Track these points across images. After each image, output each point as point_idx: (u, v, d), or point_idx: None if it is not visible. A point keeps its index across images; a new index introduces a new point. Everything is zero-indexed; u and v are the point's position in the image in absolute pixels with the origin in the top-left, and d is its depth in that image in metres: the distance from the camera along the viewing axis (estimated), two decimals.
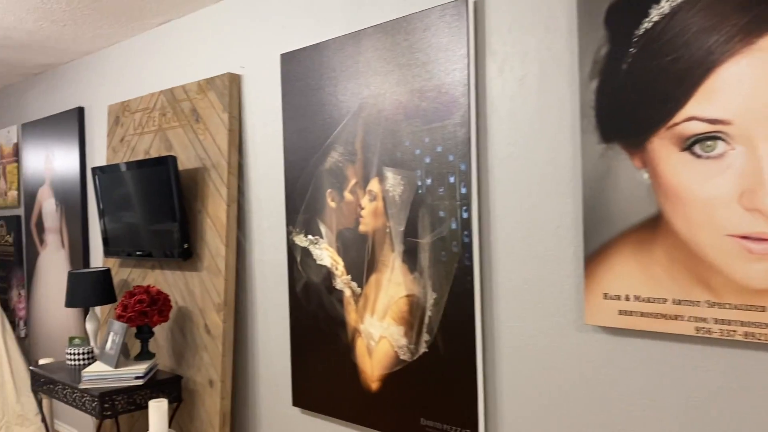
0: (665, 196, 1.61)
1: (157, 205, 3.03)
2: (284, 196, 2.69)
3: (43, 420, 3.23)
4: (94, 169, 3.37)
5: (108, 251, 3.41)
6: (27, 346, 4.72)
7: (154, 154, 3.27)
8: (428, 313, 2.13)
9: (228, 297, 2.84)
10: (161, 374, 2.93)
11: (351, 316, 2.40)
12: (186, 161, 3.06)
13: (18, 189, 4.75)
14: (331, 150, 2.46)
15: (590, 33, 1.74)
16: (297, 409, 2.66)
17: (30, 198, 4.54)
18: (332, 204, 2.46)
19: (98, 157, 3.87)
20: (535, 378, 1.92)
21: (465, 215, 2.01)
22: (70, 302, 3.21)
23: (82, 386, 2.71)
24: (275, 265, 2.76)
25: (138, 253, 3.18)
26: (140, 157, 3.35)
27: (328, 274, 2.47)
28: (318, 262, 2.52)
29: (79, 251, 4.00)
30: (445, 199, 2.06)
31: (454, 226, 2.04)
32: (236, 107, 2.89)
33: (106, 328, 2.92)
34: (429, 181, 2.11)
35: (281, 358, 2.73)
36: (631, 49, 1.66)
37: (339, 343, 2.44)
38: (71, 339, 3.18)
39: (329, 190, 2.47)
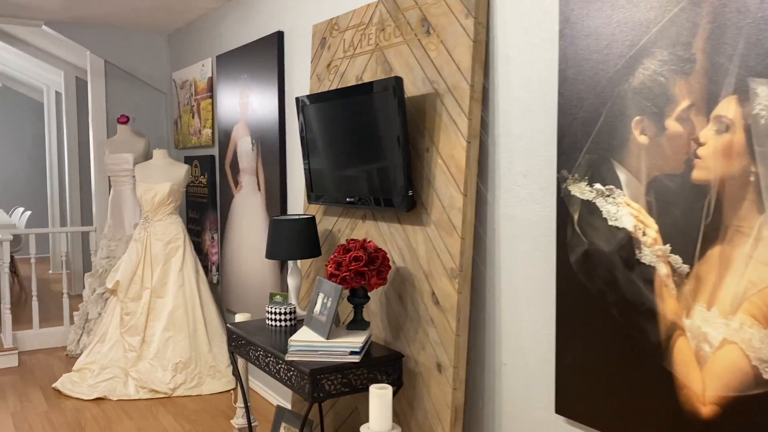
0: None
1: (374, 141, 2.43)
2: (555, 129, 1.95)
3: (239, 380, 2.86)
4: (298, 100, 2.86)
5: (312, 197, 2.91)
6: (218, 293, 4.52)
7: (367, 79, 2.68)
8: None
9: (464, 261, 2.19)
10: (376, 349, 2.39)
11: (667, 304, 1.63)
12: (410, 86, 2.43)
13: (212, 127, 4.49)
14: (644, 57, 1.66)
15: None
16: (561, 419, 1.97)
17: (224, 136, 4.23)
18: (641, 138, 1.68)
19: (299, 87, 3.38)
20: None
21: None
22: (271, 253, 2.76)
23: (288, 357, 2.23)
24: (532, 223, 2.05)
25: (348, 200, 2.64)
26: (351, 84, 2.77)
27: (629, 241, 1.71)
28: (611, 222, 1.76)
29: (276, 195, 3.59)
30: None
31: None
32: (484, 10, 2.17)
33: (314, 288, 2.43)
34: None
35: (537, 348, 2.05)
36: None
37: (642, 341, 1.69)
38: (272, 295, 2.75)
39: (637, 118, 1.68)
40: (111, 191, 4.85)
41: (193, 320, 4.12)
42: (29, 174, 9.36)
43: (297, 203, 3.46)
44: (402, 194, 2.33)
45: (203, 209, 4.67)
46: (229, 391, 4.06)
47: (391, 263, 2.50)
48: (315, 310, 2.38)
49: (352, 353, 2.22)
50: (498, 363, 2.20)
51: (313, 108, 2.77)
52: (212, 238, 4.56)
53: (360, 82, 2.69)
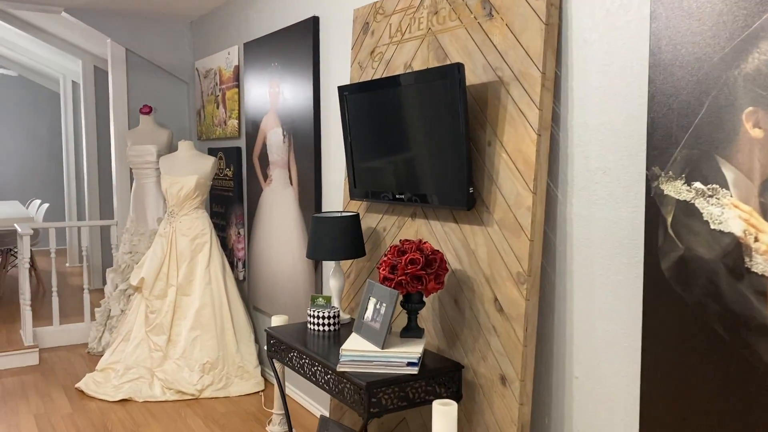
0: None
1: (429, 134, 2.25)
2: (643, 121, 1.76)
3: (280, 387, 2.70)
4: (341, 89, 2.68)
5: (355, 192, 2.73)
6: (245, 290, 4.36)
7: (417, 67, 2.49)
8: None
9: (533, 265, 2.01)
10: (430, 358, 2.21)
11: None
12: (469, 74, 2.24)
13: (239, 118, 4.31)
14: (759, 40, 1.47)
15: None
16: None
17: (252, 128, 4.06)
18: (755, 132, 1.48)
19: (336, 76, 3.20)
20: None
21: None
22: (313, 252, 2.59)
23: (340, 368, 2.06)
24: (612, 224, 1.86)
25: (398, 196, 2.46)
26: (399, 72, 2.59)
27: (737, 248, 1.53)
28: (714, 226, 1.57)
29: (311, 190, 3.42)
30: None
31: None
32: None
33: (364, 292, 2.26)
34: None
35: (616, 361, 1.86)
36: None
37: (754, 363, 1.50)
38: (314, 298, 2.58)
39: (750, 109, 1.49)
40: (133, 184, 4.69)
41: (220, 319, 3.97)
42: (46, 165, 9.24)
43: (333, 199, 3.29)
44: (462, 191, 2.15)
45: (229, 203, 4.51)
46: (258, 392, 3.91)
47: (447, 266, 2.32)
48: (366, 316, 2.21)
49: (410, 364, 2.05)
50: (569, 376, 2.02)
51: (358, 98, 2.59)
52: (238, 233, 4.39)
53: (410, 71, 2.50)
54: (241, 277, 4.38)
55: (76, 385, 3.93)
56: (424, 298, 2.36)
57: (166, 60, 4.95)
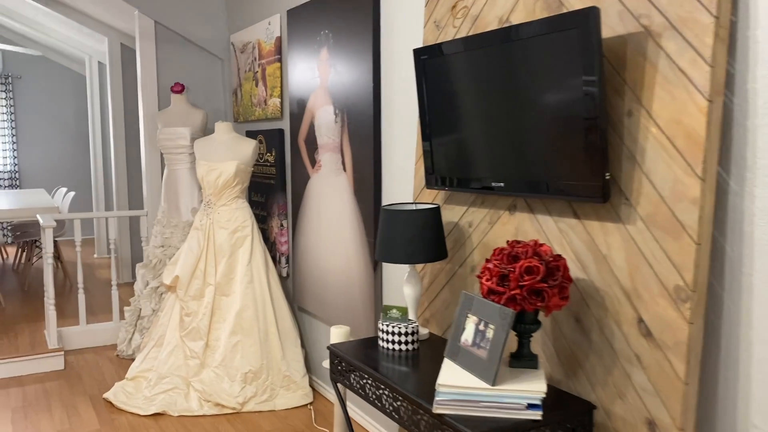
0: None
1: (547, 103, 1.74)
2: None
3: (344, 412, 2.23)
4: (419, 53, 2.18)
5: (433, 179, 2.24)
6: (288, 289, 3.91)
7: (518, 21, 1.98)
8: None
9: (699, 277, 1.50)
10: (550, 394, 1.72)
11: None
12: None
13: (281, 96, 3.84)
14: None
15: None
16: None
17: (298, 107, 3.58)
18: None
19: (402, 42, 2.69)
20: None
21: None
22: (385, 254, 2.11)
23: (438, 409, 1.58)
24: None
25: (495, 184, 1.96)
26: (491, 28, 2.07)
27: None
28: None
29: (368, 177, 2.94)
30: None
31: None
32: None
33: (459, 306, 1.78)
34: None
35: None
36: None
37: None
38: (387, 309, 2.10)
39: None
40: (165, 171, 4.26)
41: (264, 322, 3.52)
42: (71, 152, 8.90)
43: (396, 187, 2.80)
44: (595, 177, 1.64)
45: (270, 192, 4.05)
46: (307, 405, 3.46)
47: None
48: (463, 338, 1.72)
49: (531, 407, 1.56)
50: (744, 425, 1.51)
51: (442, 62, 2.08)
52: (281, 224, 3.94)
53: (507, 25, 1.99)
54: (284, 274, 3.93)
55: (105, 396, 3.52)
56: (540, 317, 1.87)
57: (199, 34, 4.49)
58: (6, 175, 8.49)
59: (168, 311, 3.64)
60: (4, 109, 8.40)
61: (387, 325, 2.07)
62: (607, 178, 1.63)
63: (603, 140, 1.61)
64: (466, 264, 2.21)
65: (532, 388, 1.58)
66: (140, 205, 6.31)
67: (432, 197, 2.39)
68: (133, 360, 4.17)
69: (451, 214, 2.30)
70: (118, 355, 4.25)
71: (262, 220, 4.17)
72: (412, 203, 2.28)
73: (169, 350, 3.50)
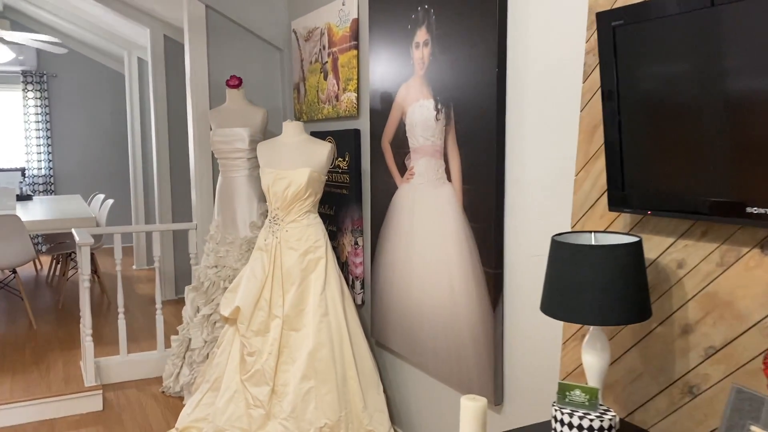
0: None
1: None
2: None
3: None
4: (607, 17, 1.53)
5: (620, 198, 1.59)
6: (362, 318, 3.29)
7: None
8: None
9: None
10: None
11: None
12: None
13: (357, 90, 3.22)
14: None
15: None
16: None
17: (381, 102, 2.96)
18: None
19: (542, 7, 2.04)
20: None
21: None
22: (560, 308, 1.47)
23: None
24: None
25: (758, 210, 1.30)
26: None
27: None
28: None
29: (487, 189, 2.29)
30: None
31: None
32: None
33: (729, 406, 1.13)
34: None
35: None
36: None
37: None
38: (566, 389, 1.46)
39: None
40: (219, 178, 3.67)
41: (341, 364, 2.90)
42: (109, 155, 8.43)
43: (528, 204, 2.15)
44: None
45: (341, 204, 3.43)
46: None
47: None
48: None
49: None
50: None
51: (653, 28, 1.43)
52: (355, 243, 3.32)
53: None
54: (358, 302, 3.31)
55: None
56: None
57: (256, 20, 3.91)
58: (41, 180, 8.05)
59: (226, 348, 3.04)
60: (39, 110, 7.97)
61: (570, 414, 1.43)
62: None
63: None
64: (672, 322, 1.56)
65: None
66: (185, 215, 5.76)
67: (605, 223, 1.74)
68: (180, 398, 3.59)
69: (649, 249, 1.64)
70: (163, 392, 3.68)
71: (332, 236, 3.55)
72: (588, 232, 1.62)
73: (228, 397, 2.90)
